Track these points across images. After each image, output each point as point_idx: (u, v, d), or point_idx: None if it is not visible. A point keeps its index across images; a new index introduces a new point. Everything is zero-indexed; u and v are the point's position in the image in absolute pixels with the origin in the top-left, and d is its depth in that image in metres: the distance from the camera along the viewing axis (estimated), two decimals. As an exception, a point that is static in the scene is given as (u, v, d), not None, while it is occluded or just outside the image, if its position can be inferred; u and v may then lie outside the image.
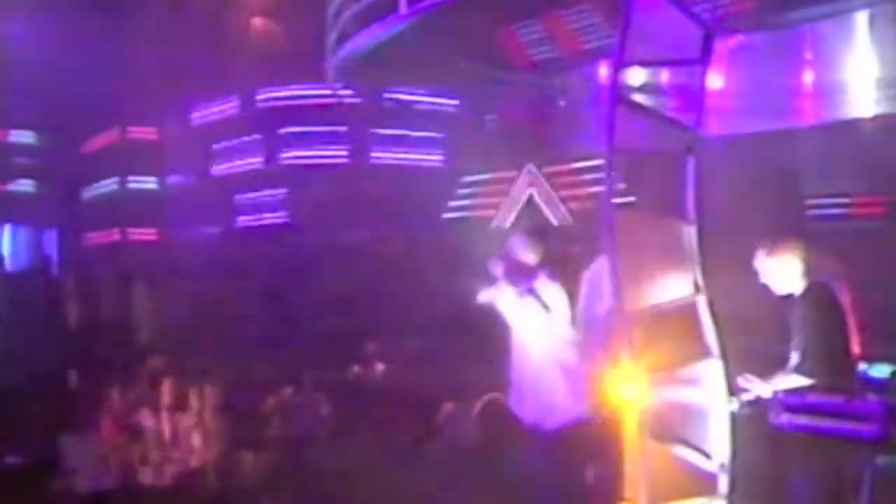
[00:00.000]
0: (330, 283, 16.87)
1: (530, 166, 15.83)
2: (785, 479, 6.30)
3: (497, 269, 7.82)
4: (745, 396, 6.33)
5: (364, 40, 7.75)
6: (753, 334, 6.57)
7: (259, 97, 18.60)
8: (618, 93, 5.46)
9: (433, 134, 18.11)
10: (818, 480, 6.08)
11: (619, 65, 5.56)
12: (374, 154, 18.47)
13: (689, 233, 6.23)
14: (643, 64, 5.73)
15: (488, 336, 14.11)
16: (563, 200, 15.41)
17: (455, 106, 16.59)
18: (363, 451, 11.60)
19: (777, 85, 10.72)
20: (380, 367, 12.65)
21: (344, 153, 18.43)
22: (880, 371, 11.22)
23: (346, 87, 10.72)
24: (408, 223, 17.11)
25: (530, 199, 15.93)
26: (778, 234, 6.74)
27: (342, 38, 8.05)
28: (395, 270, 17.04)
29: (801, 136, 12.35)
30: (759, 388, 6.39)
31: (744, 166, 12.38)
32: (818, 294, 6.36)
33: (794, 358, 6.25)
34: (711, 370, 6.18)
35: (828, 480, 6.07)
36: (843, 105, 11.03)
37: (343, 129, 18.36)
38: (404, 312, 16.86)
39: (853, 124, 11.81)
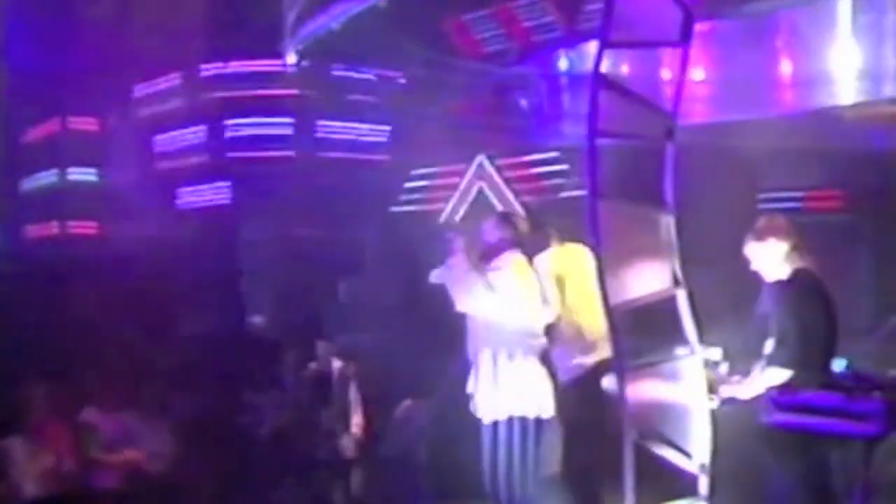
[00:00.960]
0: (278, 278, 16.50)
1: (481, 158, 15.56)
2: (764, 478, 6.11)
3: (457, 242, 7.51)
4: (723, 393, 6.14)
5: (324, 21, 7.51)
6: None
7: (205, 88, 18.09)
8: (601, 76, 5.17)
9: (382, 126, 17.71)
10: (799, 479, 5.88)
11: (603, 46, 5.28)
12: (321, 147, 18.03)
13: (668, 222, 6.01)
14: (625, 46, 5.44)
15: (444, 331, 13.95)
16: (516, 194, 15.15)
17: (404, 97, 16.22)
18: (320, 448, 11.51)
19: (743, 73, 10.51)
20: (336, 363, 12.33)
21: (291, 146, 17.98)
22: (836, 365, 11.06)
23: (300, 72, 10.42)
24: (356, 217, 16.77)
25: (480, 193, 15.67)
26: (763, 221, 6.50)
27: (301, 19, 7.78)
28: (344, 265, 16.73)
29: (758, 127, 12.18)
30: (737, 385, 6.20)
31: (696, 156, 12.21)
32: (802, 281, 6.17)
33: (770, 348, 6.06)
34: (691, 366, 5.97)
35: (809, 480, 5.88)
36: (807, 96, 10.82)
37: (290, 121, 17.89)
38: (354, 308, 16.61)
39: (810, 116, 11.62)
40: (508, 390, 7.26)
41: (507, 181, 15.28)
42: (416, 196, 16.53)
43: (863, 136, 11.16)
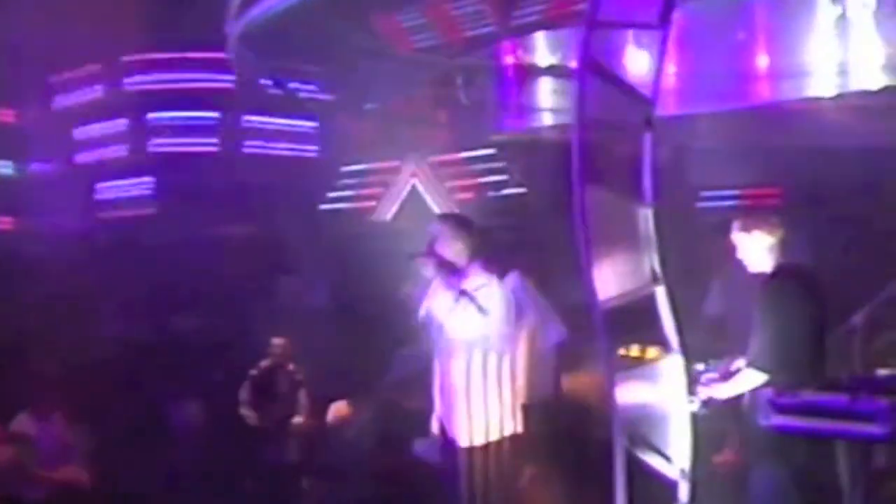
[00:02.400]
0: (201, 278, 15.98)
1: (414, 156, 15.24)
2: (747, 481, 5.86)
3: (427, 269, 7.03)
4: (702, 395, 5.87)
5: (268, 6, 7.20)
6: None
7: (128, 79, 17.45)
8: (589, 59, 4.84)
9: (311, 122, 17.29)
10: (782, 482, 5.64)
11: (591, 28, 4.95)
12: (248, 142, 17.51)
13: (646, 215, 5.72)
14: (606, 26, 5.13)
15: (379, 331, 13.61)
16: (450, 192, 14.85)
17: (335, 93, 15.84)
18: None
19: (698, 67, 10.31)
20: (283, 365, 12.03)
21: (216, 141, 17.43)
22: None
23: (229, 64, 10.07)
24: (283, 215, 16.33)
25: (413, 191, 15.36)
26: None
27: (246, 3, 7.47)
28: (272, 265, 16.28)
29: (702, 123, 12.00)
30: (715, 386, 5.94)
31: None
32: (784, 277, 5.91)
33: (750, 350, 5.81)
34: (671, 367, 5.69)
35: (793, 482, 5.64)
36: (751, 91, 10.65)
37: (216, 115, 17.35)
38: (281, 308, 16.20)
39: (751, 111, 11.42)
40: (485, 411, 6.83)
41: (441, 179, 15.00)
42: (347, 194, 16.17)
43: (800, 131, 11.01)
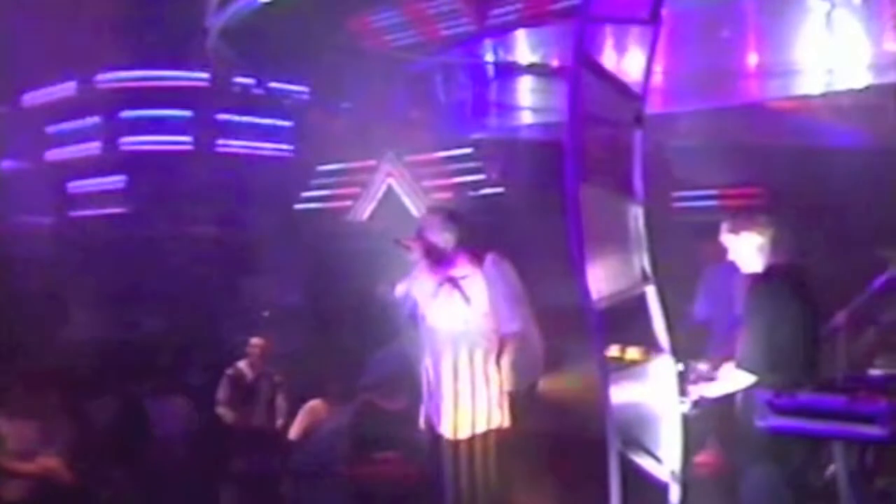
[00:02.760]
0: (173, 277, 15.80)
1: (390, 155, 15.12)
2: (737, 483, 5.77)
3: (413, 253, 6.93)
4: (692, 395, 5.78)
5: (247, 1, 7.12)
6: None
7: (100, 76, 17.19)
8: (583, 54, 4.73)
9: (286, 121, 17.10)
10: (775, 484, 5.55)
11: (585, 22, 4.84)
12: (221, 141, 17.30)
13: (636, 213, 5.63)
14: (599, 21, 5.02)
15: (354, 331, 13.49)
16: (426, 191, 14.73)
17: (311, 91, 15.69)
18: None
19: (679, 65, 10.23)
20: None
21: (189, 140, 17.21)
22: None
23: (218, 56, 9.95)
24: (257, 215, 16.17)
25: (389, 190, 15.24)
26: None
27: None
28: (245, 264, 16.12)
29: (682, 121, 11.93)
30: (704, 386, 5.85)
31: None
32: (773, 278, 5.82)
33: (739, 351, 5.72)
34: (662, 367, 5.59)
35: (786, 484, 5.56)
36: (736, 89, 10.56)
37: (189, 113, 17.13)
38: (253, 308, 16.06)
39: (732, 110, 11.33)
40: (472, 404, 6.73)
41: (418, 178, 14.88)
42: (322, 193, 16.02)
43: (781, 130, 10.95)
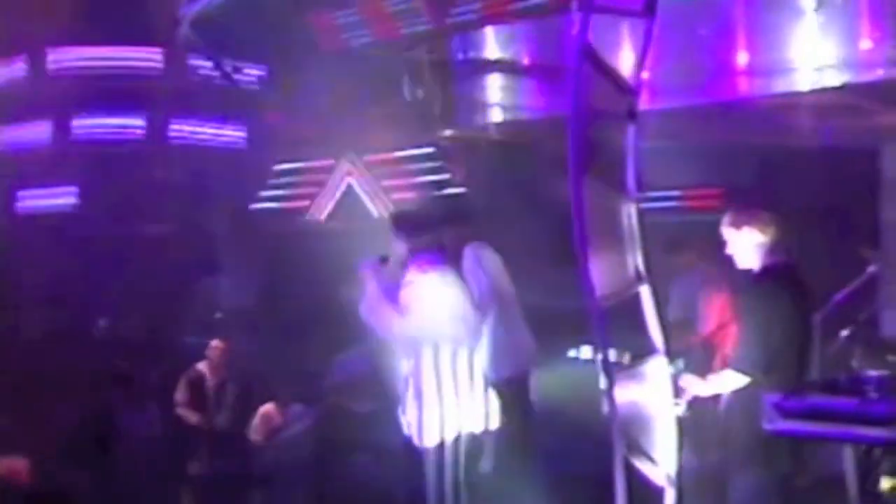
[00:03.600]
0: (125, 278, 15.49)
1: (350, 154, 14.90)
2: (729, 485, 5.67)
3: (366, 270, 6.77)
4: (685, 397, 5.68)
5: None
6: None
7: (51, 75, 16.70)
8: (585, 46, 4.57)
9: (243, 118, 16.79)
10: (765, 487, 5.45)
11: (588, 11, 4.69)
12: (175, 138, 16.92)
13: (629, 210, 5.49)
14: (595, 12, 4.87)
15: (315, 333, 13.30)
16: (386, 191, 14.53)
17: (268, 89, 15.45)
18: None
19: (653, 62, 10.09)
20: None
21: (144, 136, 16.81)
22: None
23: (188, 46, 9.71)
24: (213, 214, 15.90)
25: (349, 190, 15.01)
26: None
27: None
28: (198, 265, 15.84)
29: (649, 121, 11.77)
30: (697, 386, 5.75)
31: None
32: (771, 277, 5.74)
33: (734, 351, 5.63)
34: (657, 368, 5.46)
35: (775, 488, 5.47)
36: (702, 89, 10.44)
37: (145, 110, 16.74)
38: (208, 309, 15.81)
39: (692, 110, 11.19)
40: (455, 406, 6.59)
41: (377, 178, 14.67)
42: (280, 192, 15.76)
43: (749, 129, 10.88)
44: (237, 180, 15.90)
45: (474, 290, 7.09)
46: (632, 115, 5.44)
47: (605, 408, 5.86)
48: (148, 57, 16.10)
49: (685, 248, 8.71)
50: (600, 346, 4.64)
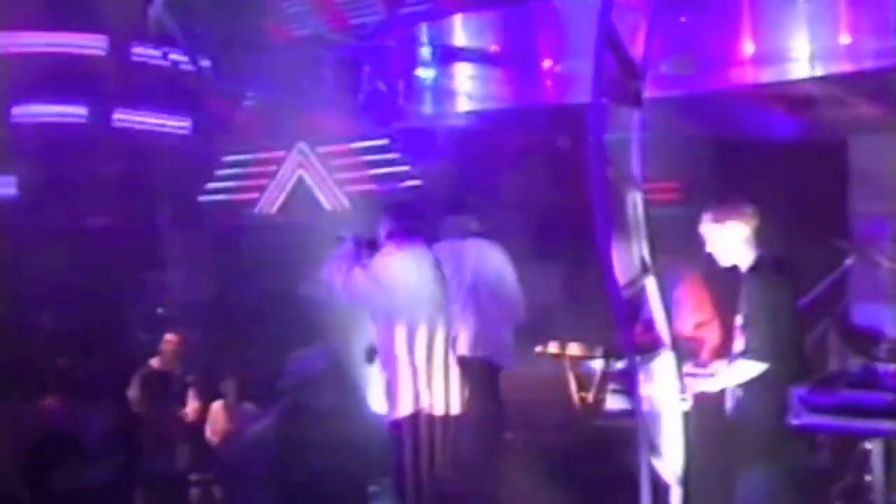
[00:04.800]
0: (70, 272, 15.06)
1: (301, 146, 14.61)
2: (736, 481, 5.53)
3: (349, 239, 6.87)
4: (691, 391, 5.52)
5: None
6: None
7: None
8: (608, 32, 4.38)
9: (191, 108, 16.37)
10: (776, 484, 5.32)
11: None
12: (120, 126, 16.42)
13: (635, 199, 5.33)
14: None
15: (268, 327, 13.03)
16: (339, 184, 14.27)
17: (218, 79, 15.07)
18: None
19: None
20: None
21: (85, 123, 16.28)
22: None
23: (159, 29, 9.42)
24: (158, 206, 15.52)
25: (300, 182, 14.73)
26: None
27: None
28: (145, 259, 15.45)
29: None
30: (704, 381, 5.61)
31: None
32: (767, 267, 5.62)
33: (740, 342, 5.49)
34: (663, 363, 5.31)
35: (786, 483, 5.34)
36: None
37: (85, 95, 16.20)
38: (156, 304, 15.47)
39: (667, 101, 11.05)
40: (429, 383, 6.52)
41: (329, 170, 14.41)
42: (229, 185, 15.44)
43: (717, 121, 10.79)
44: (184, 171, 15.52)
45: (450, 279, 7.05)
46: (637, 100, 5.28)
47: (609, 404, 5.74)
48: (92, 43, 15.60)
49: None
50: (625, 339, 4.45)
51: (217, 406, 11.16)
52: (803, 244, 9.10)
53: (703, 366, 5.93)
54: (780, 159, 10.33)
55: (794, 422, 4.70)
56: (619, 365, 6.33)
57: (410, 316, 6.64)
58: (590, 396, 7.05)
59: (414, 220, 7.06)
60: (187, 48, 10.58)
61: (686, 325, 7.84)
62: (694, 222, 11.69)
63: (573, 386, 7.37)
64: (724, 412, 5.57)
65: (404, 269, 6.70)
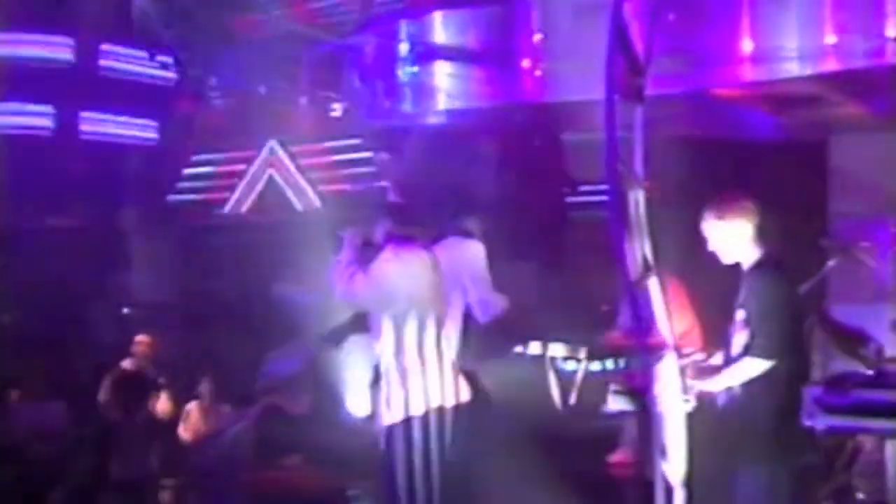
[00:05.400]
0: (37, 272, 14.82)
1: (272, 144, 14.45)
2: (732, 483, 5.45)
3: (349, 237, 6.60)
4: (693, 391, 5.44)
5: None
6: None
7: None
8: (621, 19, 4.29)
9: (160, 108, 16.12)
10: (776, 483, 5.25)
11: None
12: (87, 126, 16.15)
13: (637, 197, 5.25)
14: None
15: (233, 329, 12.88)
16: (311, 183, 14.12)
17: (184, 78, 14.88)
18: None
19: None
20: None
21: (51, 124, 16.00)
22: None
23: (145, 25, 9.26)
24: (128, 207, 15.30)
25: (271, 182, 14.56)
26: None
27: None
28: (111, 259, 15.23)
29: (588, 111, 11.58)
30: (709, 381, 5.52)
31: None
32: (772, 264, 5.55)
33: (743, 338, 5.40)
34: (666, 364, 5.23)
35: (787, 483, 5.27)
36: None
37: (51, 95, 15.92)
38: (122, 306, 15.26)
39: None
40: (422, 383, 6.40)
41: (300, 169, 14.26)
42: (199, 184, 15.24)
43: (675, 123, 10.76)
44: (154, 171, 15.32)
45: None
46: (641, 97, 5.20)
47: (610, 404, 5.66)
48: (58, 43, 15.36)
49: None
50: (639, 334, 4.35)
51: (193, 407, 11.00)
52: (784, 244, 9.11)
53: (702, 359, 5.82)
54: (759, 159, 10.32)
55: (808, 422, 4.62)
56: (597, 367, 6.25)
57: (415, 319, 6.48)
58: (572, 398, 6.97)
59: (412, 220, 6.91)
60: (164, 41, 10.39)
61: (671, 333, 7.80)
62: (669, 223, 11.66)
63: (555, 387, 7.27)
64: (725, 411, 5.49)
65: (406, 273, 6.54)
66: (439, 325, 6.56)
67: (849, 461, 7.01)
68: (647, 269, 5.19)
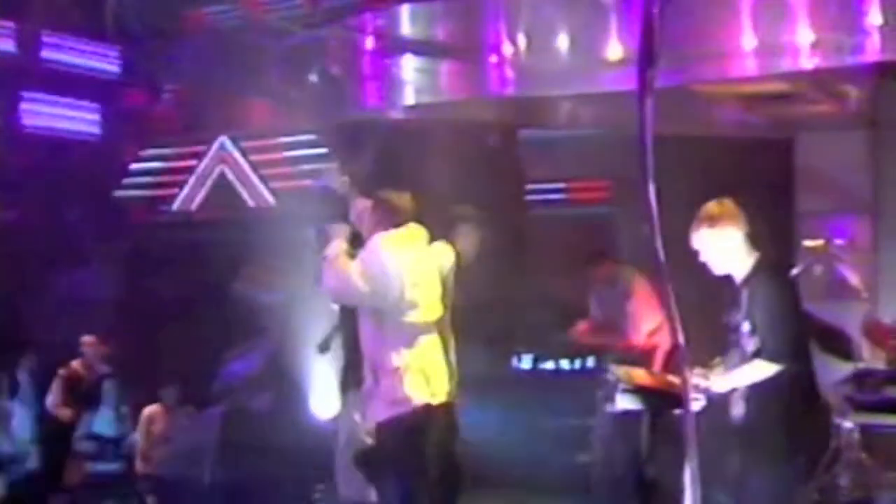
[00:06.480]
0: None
1: (223, 140, 14.18)
2: (742, 483, 5.40)
3: (334, 231, 6.55)
4: (700, 391, 5.37)
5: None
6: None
7: None
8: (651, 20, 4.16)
9: (106, 100, 15.76)
10: (786, 482, 5.21)
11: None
12: (28, 118, 15.73)
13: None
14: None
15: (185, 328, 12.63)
16: (264, 180, 13.87)
17: (130, 72, 14.56)
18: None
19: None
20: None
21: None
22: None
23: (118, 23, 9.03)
24: (72, 203, 14.93)
25: (222, 178, 14.29)
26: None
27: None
28: (52, 255, 14.86)
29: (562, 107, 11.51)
30: (713, 381, 5.46)
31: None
32: (769, 268, 5.52)
33: (751, 342, 5.35)
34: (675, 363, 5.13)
35: (795, 481, 5.24)
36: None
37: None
38: (69, 304, 14.89)
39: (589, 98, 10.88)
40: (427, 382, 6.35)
41: (253, 165, 14.00)
42: (146, 180, 14.90)
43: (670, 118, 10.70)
44: (98, 166, 14.96)
45: None
46: (648, 88, 5.08)
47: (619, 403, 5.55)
48: (-1, 31, 14.95)
49: (605, 258, 8.52)
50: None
51: (154, 409, 10.81)
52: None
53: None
54: (726, 156, 10.29)
55: (838, 420, 4.58)
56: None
57: (409, 313, 6.42)
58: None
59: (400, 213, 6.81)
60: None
61: (640, 335, 7.78)
62: (628, 222, 11.65)
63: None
64: (731, 411, 5.44)
65: (400, 267, 6.43)
66: (438, 320, 6.49)
67: (832, 460, 7.02)
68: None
